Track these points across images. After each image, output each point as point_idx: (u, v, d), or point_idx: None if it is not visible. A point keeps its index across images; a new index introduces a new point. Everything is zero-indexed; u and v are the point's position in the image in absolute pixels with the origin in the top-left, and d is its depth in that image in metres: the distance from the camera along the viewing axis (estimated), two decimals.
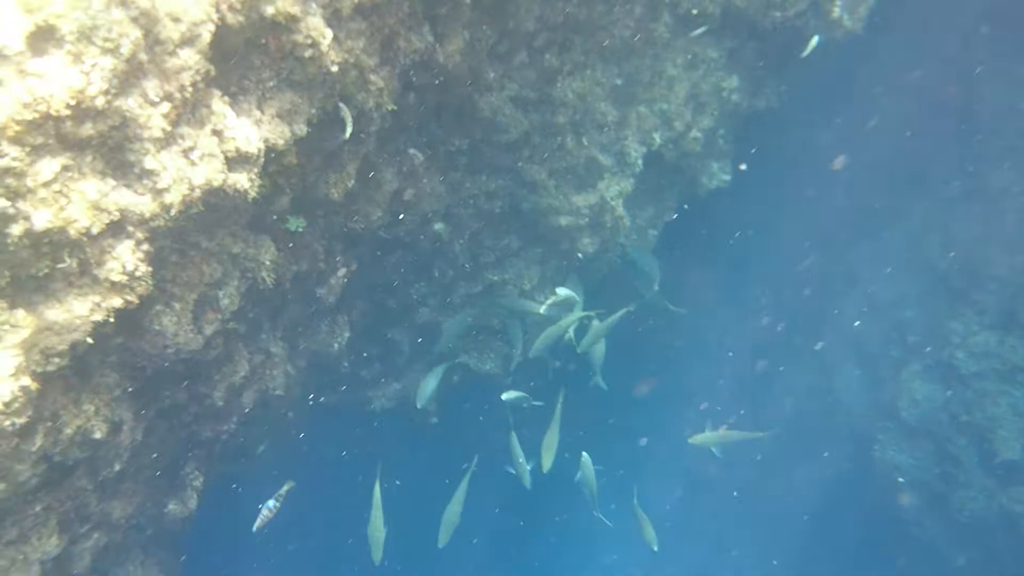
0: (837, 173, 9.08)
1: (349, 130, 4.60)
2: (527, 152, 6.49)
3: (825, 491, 10.57)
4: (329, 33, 3.85)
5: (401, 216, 6.49)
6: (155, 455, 5.25)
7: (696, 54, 6.72)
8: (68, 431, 3.82)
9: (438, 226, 7.10)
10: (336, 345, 7.21)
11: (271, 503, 5.72)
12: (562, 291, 6.75)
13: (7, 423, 3.31)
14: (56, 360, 3.43)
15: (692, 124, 6.83)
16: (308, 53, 3.83)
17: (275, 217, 4.92)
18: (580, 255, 7.14)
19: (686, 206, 7.81)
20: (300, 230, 5.21)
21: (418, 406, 7.47)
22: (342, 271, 6.30)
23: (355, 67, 4.25)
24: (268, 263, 4.73)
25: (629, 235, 7.33)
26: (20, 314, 3.34)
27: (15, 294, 3.33)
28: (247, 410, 5.96)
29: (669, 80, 6.54)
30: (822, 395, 10.97)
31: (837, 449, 10.69)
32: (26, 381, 3.33)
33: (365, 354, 8.54)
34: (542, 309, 6.86)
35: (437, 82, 5.24)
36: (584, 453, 7.35)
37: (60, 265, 3.37)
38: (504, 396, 7.44)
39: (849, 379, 10.77)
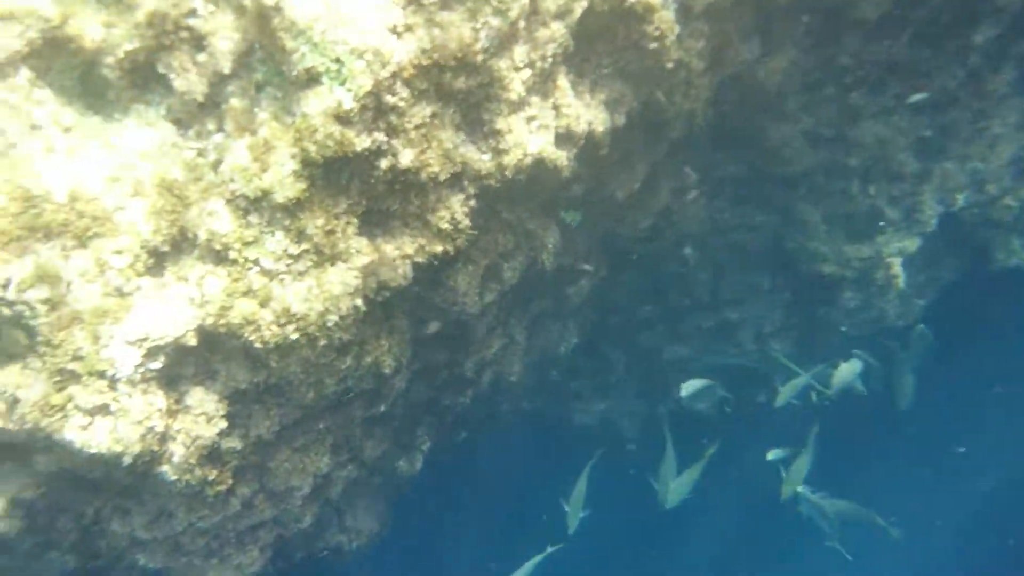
0: None
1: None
2: (804, 190, 6.23)
3: None
4: (677, 29, 3.94)
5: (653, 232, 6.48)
6: (402, 410, 5.58)
7: None
8: (368, 359, 4.15)
9: (688, 250, 7.00)
10: (563, 348, 7.31)
11: None
12: (846, 368, 6.40)
13: (336, 336, 3.65)
14: (384, 292, 3.74)
15: (1009, 190, 6.23)
16: (652, 45, 3.93)
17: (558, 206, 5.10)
18: (844, 329, 6.73)
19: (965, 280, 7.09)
20: (574, 224, 5.35)
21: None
22: (592, 275, 6.39)
23: (685, 68, 4.32)
24: (551, 247, 4.88)
25: (894, 299, 6.77)
26: (364, 242, 3.70)
27: (362, 224, 3.70)
28: (482, 388, 6.19)
29: (993, 139, 6.01)
30: None
31: None
32: (359, 302, 3.66)
33: (577, 366, 8.59)
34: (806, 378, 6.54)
35: (740, 100, 5.19)
36: (799, 489, 6.88)
37: (408, 206, 3.69)
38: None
39: None
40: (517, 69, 3.57)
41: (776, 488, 7.00)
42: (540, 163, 3.92)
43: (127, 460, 3.48)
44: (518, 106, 3.69)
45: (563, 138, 4.01)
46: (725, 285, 7.25)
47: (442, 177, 3.58)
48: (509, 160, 3.77)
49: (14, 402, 3.42)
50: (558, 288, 6.21)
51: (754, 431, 7.45)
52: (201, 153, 3.59)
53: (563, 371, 8.66)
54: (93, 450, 3.43)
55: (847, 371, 6.63)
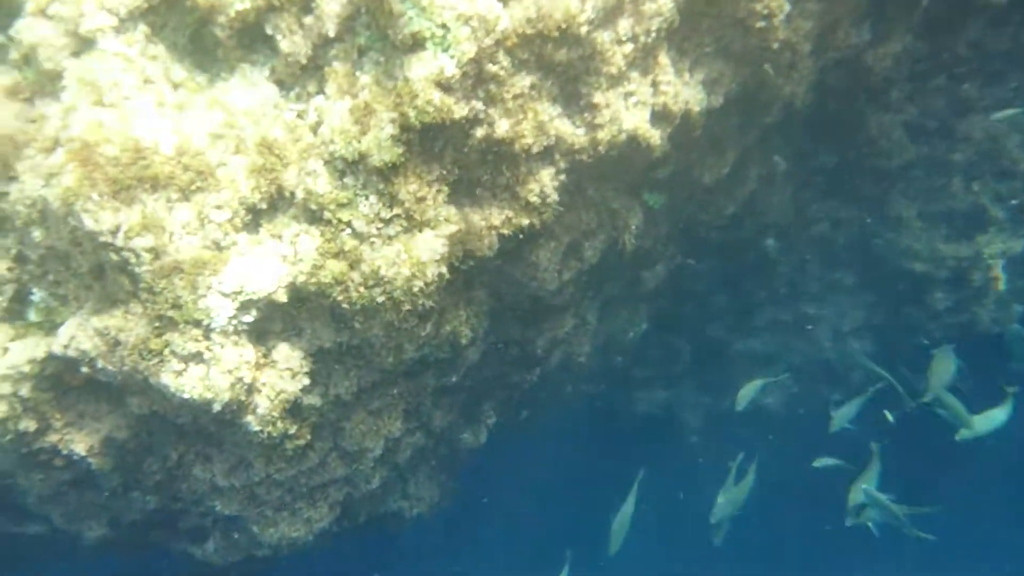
0: None
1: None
2: (901, 185, 5.97)
3: None
4: (787, 8, 3.80)
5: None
6: (472, 383, 5.62)
7: None
8: (447, 328, 4.19)
9: (770, 241, 6.81)
10: (632, 334, 7.23)
11: None
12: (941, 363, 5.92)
13: (420, 302, 3.69)
14: (469, 262, 3.75)
15: None
16: (760, 24, 3.80)
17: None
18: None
19: None
20: (656, 206, 5.24)
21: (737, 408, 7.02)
22: (669, 260, 6.28)
23: (791, 49, 4.16)
24: (634, 228, 4.81)
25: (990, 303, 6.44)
26: (452, 211, 3.71)
27: (451, 192, 3.70)
28: (550, 367, 6.18)
29: None
30: None
31: None
32: (444, 270, 3.68)
33: (643, 354, 8.49)
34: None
35: (842, 86, 4.97)
36: (863, 487, 6.61)
37: (498, 177, 3.68)
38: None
39: None
40: (620, 43, 3.50)
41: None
42: (633, 140, 3.85)
43: (216, 407, 3.61)
44: (617, 81, 3.62)
45: (659, 116, 3.92)
46: (805, 279, 7.03)
47: (535, 149, 3.55)
48: (603, 136, 3.71)
49: (115, 344, 3.59)
50: (633, 271, 6.13)
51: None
52: (301, 115, 3.65)
53: (628, 357, 8.57)
54: (186, 395, 3.56)
55: (943, 366, 5.89)
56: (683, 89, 3.96)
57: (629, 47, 3.53)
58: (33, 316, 3.90)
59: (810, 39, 4.23)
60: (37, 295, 3.85)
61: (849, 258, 6.65)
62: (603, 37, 3.43)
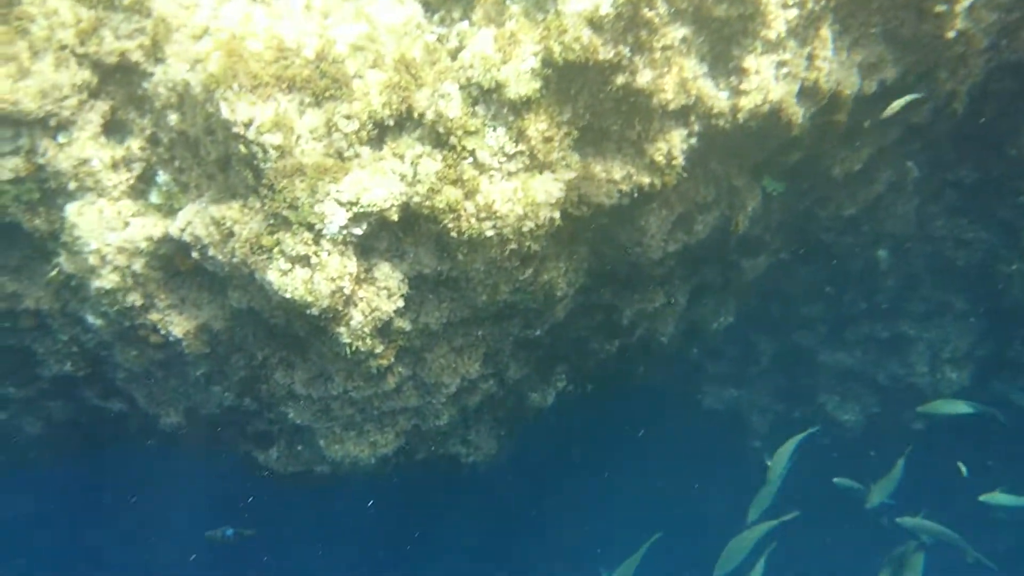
0: None
1: (893, 110, 4.24)
2: None
3: None
4: None
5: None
6: (551, 341, 5.56)
7: None
8: (544, 277, 4.13)
9: (882, 252, 6.45)
10: (716, 325, 6.99)
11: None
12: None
13: (526, 244, 3.63)
14: (583, 209, 3.67)
15: None
16: (939, 8, 3.52)
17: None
18: None
19: None
20: (775, 193, 5.02)
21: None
22: (772, 253, 6.04)
23: (966, 42, 3.85)
24: (749, 210, 4.62)
25: None
26: (575, 158, 3.62)
27: (578, 138, 3.61)
28: (630, 342, 6.07)
29: None
30: None
31: None
32: (556, 215, 3.61)
33: (720, 348, 8.27)
34: None
35: (1007, 92, 4.60)
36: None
37: (627, 129, 3.56)
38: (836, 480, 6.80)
39: None
40: (785, 6, 3.30)
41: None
42: (775, 114, 3.66)
43: (314, 311, 3.66)
44: (773, 47, 3.43)
45: (807, 93, 3.71)
46: (912, 298, 6.65)
47: (672, 106, 3.42)
48: (745, 103, 3.54)
49: (229, 235, 3.68)
50: (735, 258, 5.91)
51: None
52: (441, 39, 3.61)
53: (705, 349, 8.35)
54: (287, 295, 3.63)
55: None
56: (838, 68, 3.73)
57: (794, 12, 3.33)
58: (154, 198, 4.04)
59: (990, 33, 3.90)
60: (162, 178, 3.99)
61: (966, 282, 6.24)
62: None
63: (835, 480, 6.83)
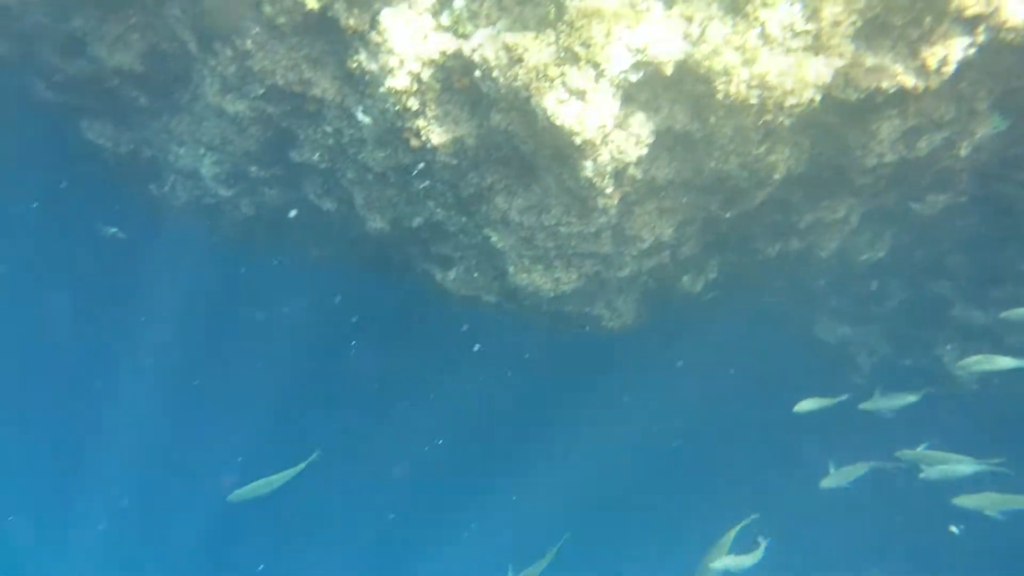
0: None
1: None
2: None
3: None
4: None
5: None
6: (727, 229, 5.92)
7: None
8: (771, 158, 4.53)
9: None
10: (865, 257, 7.21)
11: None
12: None
13: (780, 119, 4.03)
14: (847, 94, 4.01)
15: None
16: None
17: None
18: None
19: None
20: (996, 129, 5.08)
21: None
22: (956, 194, 6.15)
23: None
24: (976, 138, 4.80)
25: None
26: (851, 48, 3.93)
27: (860, 27, 3.91)
28: (792, 250, 6.41)
29: None
30: None
31: None
32: (818, 98, 3.98)
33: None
34: None
35: None
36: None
37: (911, 28, 3.83)
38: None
39: None
40: None
41: None
42: None
43: (576, 140, 4.19)
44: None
45: None
46: None
47: (968, 12, 3.66)
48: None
49: (516, 61, 4.19)
50: (921, 191, 6.04)
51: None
52: None
53: (832, 281, 8.52)
54: (558, 122, 4.15)
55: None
56: None
57: None
58: (445, 20, 4.55)
59: None
60: (458, 3, 4.48)
61: None
62: None
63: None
